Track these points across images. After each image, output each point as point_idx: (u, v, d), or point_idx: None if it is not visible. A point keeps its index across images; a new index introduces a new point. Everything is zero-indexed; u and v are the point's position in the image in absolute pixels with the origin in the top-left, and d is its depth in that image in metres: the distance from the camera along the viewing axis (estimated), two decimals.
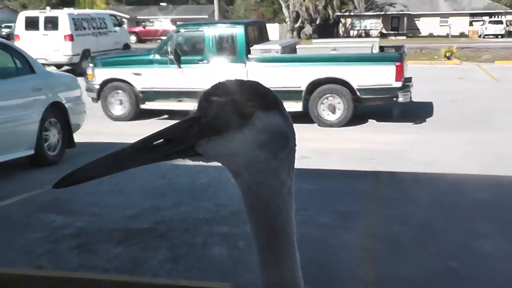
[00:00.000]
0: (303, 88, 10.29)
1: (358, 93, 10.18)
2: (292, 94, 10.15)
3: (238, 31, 10.94)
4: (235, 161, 0.81)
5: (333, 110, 10.32)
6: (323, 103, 10.32)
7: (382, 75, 10.11)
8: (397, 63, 10.06)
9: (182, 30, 11.59)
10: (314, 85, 10.35)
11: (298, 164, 0.89)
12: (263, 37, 12.42)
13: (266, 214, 0.83)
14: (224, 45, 11.18)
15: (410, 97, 10.62)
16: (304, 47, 12.76)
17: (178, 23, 24.18)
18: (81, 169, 0.81)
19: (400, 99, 10.08)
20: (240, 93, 0.79)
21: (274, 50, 11.10)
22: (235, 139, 0.78)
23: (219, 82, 0.82)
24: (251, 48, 10.79)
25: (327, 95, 10.30)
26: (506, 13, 51.12)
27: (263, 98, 0.79)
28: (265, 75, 9.73)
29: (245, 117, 0.77)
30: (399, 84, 10.04)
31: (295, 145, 0.85)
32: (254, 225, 0.86)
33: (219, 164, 0.84)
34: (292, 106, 9.87)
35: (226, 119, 0.78)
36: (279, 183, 0.82)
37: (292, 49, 11.67)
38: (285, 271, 0.86)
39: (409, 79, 10.92)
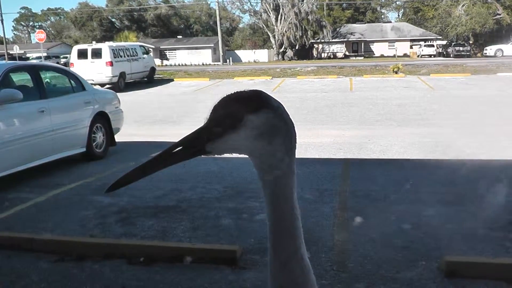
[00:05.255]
0: None
1: None
2: None
3: None
4: (240, 151, 0.82)
5: None
6: None
7: None
8: None
9: None
10: None
11: None
12: None
13: (270, 182, 0.82)
14: None
15: None
16: None
17: None
18: (123, 177, 0.84)
19: None
20: (232, 104, 0.79)
21: None
22: (232, 139, 0.79)
23: (223, 96, 0.82)
24: None
25: None
26: (436, 39, 52.11)
27: (249, 104, 0.79)
28: None
29: (238, 121, 0.78)
30: None
31: (291, 128, 0.81)
32: (264, 194, 0.83)
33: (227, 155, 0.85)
34: None
35: (224, 125, 0.79)
36: (277, 160, 0.80)
37: None
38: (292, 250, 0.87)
39: None
